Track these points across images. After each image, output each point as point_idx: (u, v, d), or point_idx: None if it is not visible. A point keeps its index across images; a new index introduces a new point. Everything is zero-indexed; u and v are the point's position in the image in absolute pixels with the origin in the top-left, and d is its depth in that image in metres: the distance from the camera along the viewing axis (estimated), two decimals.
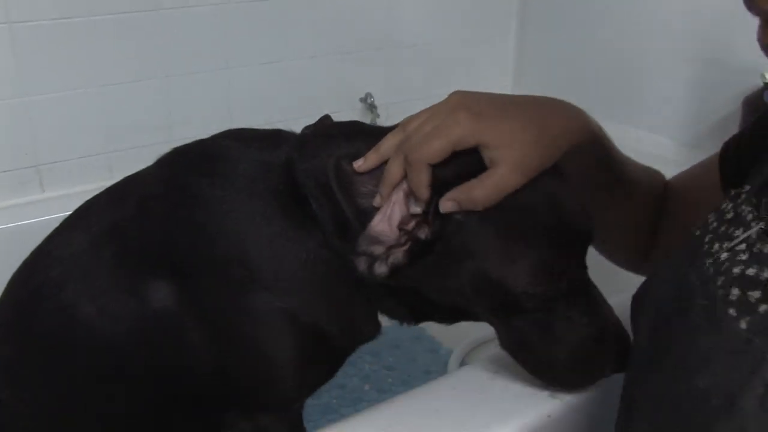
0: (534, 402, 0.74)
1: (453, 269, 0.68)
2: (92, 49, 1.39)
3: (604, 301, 0.72)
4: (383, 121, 1.66)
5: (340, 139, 0.76)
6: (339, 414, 1.47)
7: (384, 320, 0.84)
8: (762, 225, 0.49)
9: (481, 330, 0.75)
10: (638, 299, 0.62)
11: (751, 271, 0.47)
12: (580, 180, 0.78)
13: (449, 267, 0.68)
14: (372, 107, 1.72)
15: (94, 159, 1.46)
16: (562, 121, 0.71)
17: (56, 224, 0.86)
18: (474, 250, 0.67)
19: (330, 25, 1.66)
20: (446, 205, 0.65)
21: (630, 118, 1.63)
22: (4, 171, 1.39)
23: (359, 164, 0.70)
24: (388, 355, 1.70)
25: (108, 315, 0.78)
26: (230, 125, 0.86)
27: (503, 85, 1.95)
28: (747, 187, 0.55)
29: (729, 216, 0.54)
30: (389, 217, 0.66)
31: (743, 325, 0.46)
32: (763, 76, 1.27)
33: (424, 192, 0.65)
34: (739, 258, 0.49)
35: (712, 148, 0.79)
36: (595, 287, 0.72)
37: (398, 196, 0.66)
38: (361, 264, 0.68)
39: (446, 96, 0.72)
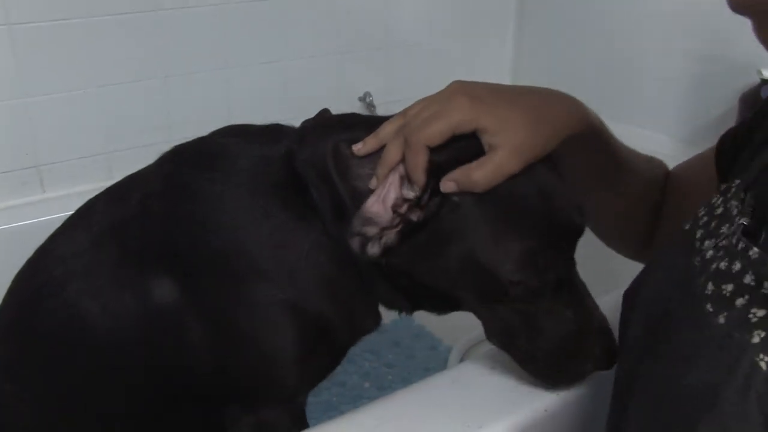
0: (531, 396, 0.74)
1: (443, 250, 0.68)
2: (92, 49, 1.39)
3: (591, 298, 0.72)
4: None
5: (340, 127, 0.77)
6: (339, 411, 1.48)
7: (384, 318, 0.85)
8: (744, 221, 0.50)
9: (480, 327, 0.75)
10: (629, 295, 0.63)
11: (723, 265, 0.48)
12: (579, 169, 0.79)
13: (440, 248, 0.68)
14: (371, 106, 1.72)
15: (95, 159, 1.47)
16: (559, 110, 0.72)
17: (57, 224, 0.87)
18: (465, 232, 0.67)
19: (329, 24, 1.66)
20: (447, 185, 0.66)
21: (627, 115, 1.63)
22: (5, 171, 1.39)
23: (358, 148, 0.71)
24: (387, 352, 1.70)
25: (110, 312, 0.79)
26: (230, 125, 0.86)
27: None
28: (737, 182, 0.56)
29: (718, 211, 0.55)
30: (384, 199, 0.67)
31: (721, 320, 0.46)
32: (759, 72, 1.27)
33: (421, 175, 0.66)
34: (719, 255, 0.50)
35: (709, 145, 0.80)
36: (582, 283, 0.72)
37: (394, 178, 0.67)
38: (355, 243, 0.68)
39: None
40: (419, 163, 0.66)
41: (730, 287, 0.47)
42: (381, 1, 1.72)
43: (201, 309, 0.77)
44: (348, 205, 0.70)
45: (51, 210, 1.29)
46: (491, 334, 0.74)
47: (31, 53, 1.34)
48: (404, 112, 0.72)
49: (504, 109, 0.68)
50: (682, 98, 1.57)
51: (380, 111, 1.71)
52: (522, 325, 0.70)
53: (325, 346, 0.82)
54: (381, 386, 1.59)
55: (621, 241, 0.92)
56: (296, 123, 0.84)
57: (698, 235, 0.55)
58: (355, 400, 1.54)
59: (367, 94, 1.73)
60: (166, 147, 0.86)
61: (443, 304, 0.77)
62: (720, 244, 0.50)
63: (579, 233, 0.72)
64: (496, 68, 1.96)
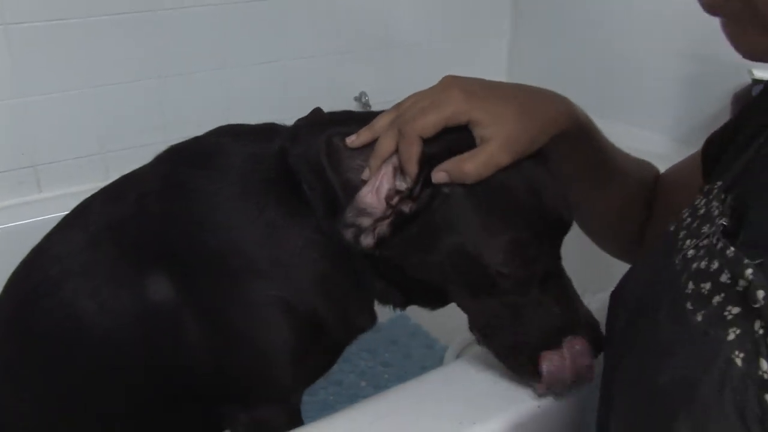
0: (525, 393, 0.75)
1: (434, 241, 0.69)
2: (89, 49, 1.40)
3: (576, 294, 0.72)
4: None
5: (333, 123, 0.77)
6: (335, 410, 1.47)
7: (380, 317, 0.85)
8: (724, 221, 0.50)
9: None
10: (615, 295, 0.63)
11: (702, 264, 0.49)
12: (569, 167, 0.80)
13: (430, 239, 0.69)
14: (366, 106, 1.73)
15: (91, 159, 1.47)
16: (549, 107, 0.73)
17: (54, 224, 0.87)
18: (455, 223, 0.68)
19: (325, 25, 1.67)
20: (438, 175, 0.67)
21: (622, 114, 1.63)
22: (2, 171, 1.40)
23: (351, 140, 0.71)
24: (384, 351, 1.71)
25: (107, 311, 0.79)
26: None
27: None
28: (719, 183, 0.56)
29: (701, 212, 0.56)
30: (377, 190, 0.67)
31: (699, 317, 0.47)
32: (750, 72, 1.28)
33: (414, 166, 0.67)
34: (699, 254, 0.50)
35: (702, 144, 0.80)
36: (568, 279, 0.73)
37: (387, 169, 0.68)
38: (348, 234, 0.69)
39: None
40: (413, 153, 0.67)
41: (708, 285, 0.47)
42: (377, 1, 1.72)
43: (197, 307, 0.77)
44: (341, 198, 0.70)
45: (48, 210, 1.29)
46: (475, 325, 0.74)
47: (27, 53, 1.34)
48: (398, 106, 0.73)
49: (496, 103, 0.68)
50: (675, 98, 1.58)
51: (375, 110, 1.71)
52: (508, 318, 0.70)
53: (320, 344, 0.82)
54: (377, 385, 1.60)
55: (610, 241, 0.93)
56: (292, 122, 0.84)
57: (681, 235, 0.56)
58: (351, 399, 1.54)
59: (362, 94, 1.74)
60: (163, 147, 0.86)
61: (434, 298, 0.77)
62: (701, 244, 0.51)
63: (566, 228, 0.72)
64: (492, 69, 1.96)
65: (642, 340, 0.53)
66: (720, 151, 0.66)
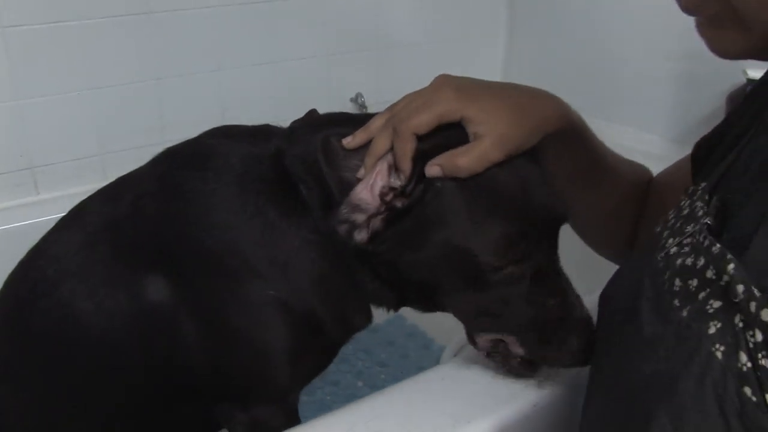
0: (520, 392, 0.75)
1: (426, 234, 0.69)
2: (85, 51, 1.40)
3: (574, 291, 0.72)
4: None
5: (329, 124, 0.78)
6: (332, 410, 1.48)
7: (378, 318, 0.86)
8: (708, 220, 0.51)
9: None
10: (603, 296, 0.64)
11: (689, 261, 0.49)
12: (561, 168, 0.80)
13: (422, 232, 0.69)
14: (362, 107, 1.73)
15: (88, 161, 1.47)
16: (542, 107, 0.73)
17: (51, 226, 0.88)
18: (447, 216, 0.68)
19: (320, 26, 1.67)
20: (432, 169, 0.68)
21: (617, 115, 1.64)
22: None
23: (348, 141, 0.72)
24: (381, 352, 1.71)
25: (104, 311, 0.79)
26: None
27: None
28: (703, 184, 0.57)
29: (685, 212, 0.56)
30: (372, 186, 0.68)
31: (684, 313, 0.47)
32: (745, 72, 1.29)
33: (407, 163, 0.68)
34: (683, 251, 0.51)
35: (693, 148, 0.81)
36: (565, 276, 0.73)
37: (382, 166, 0.69)
38: (342, 230, 0.69)
39: None
40: (407, 151, 0.68)
41: (695, 282, 0.48)
42: (373, 3, 1.73)
43: (194, 308, 0.78)
44: (336, 196, 0.71)
45: (45, 212, 1.30)
46: (469, 326, 0.75)
47: (24, 55, 1.34)
48: (392, 107, 0.73)
49: (489, 100, 0.69)
50: (671, 98, 1.58)
51: (371, 112, 1.71)
52: (501, 313, 0.71)
53: (317, 343, 0.82)
54: (374, 385, 1.60)
55: (604, 244, 0.93)
56: (288, 123, 0.84)
57: (665, 234, 0.57)
58: (348, 399, 1.53)
59: (358, 95, 1.74)
60: (160, 149, 0.86)
61: (427, 299, 0.77)
62: (684, 242, 0.52)
63: (560, 221, 0.73)
64: (488, 69, 1.97)
65: (624, 338, 0.54)
66: (708, 153, 0.66)
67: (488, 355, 0.77)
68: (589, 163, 0.82)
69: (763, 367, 0.41)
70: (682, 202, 0.59)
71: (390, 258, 0.73)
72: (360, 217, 0.69)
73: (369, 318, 0.83)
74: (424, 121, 0.68)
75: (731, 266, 0.44)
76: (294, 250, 0.76)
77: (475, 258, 0.68)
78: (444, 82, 0.72)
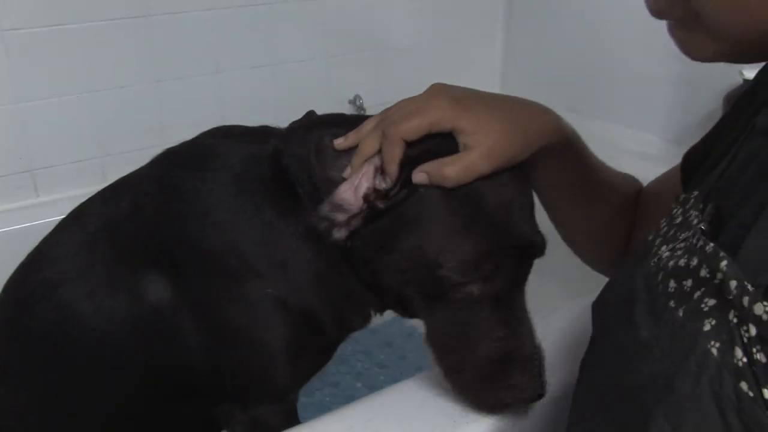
0: None
1: (399, 237, 0.69)
2: (85, 55, 1.40)
3: (529, 326, 0.71)
4: None
5: (326, 125, 0.78)
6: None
7: (376, 319, 0.86)
8: (702, 225, 0.51)
9: None
10: (597, 304, 0.63)
11: (682, 262, 0.49)
12: (554, 182, 0.80)
13: (397, 234, 0.69)
14: (360, 109, 1.73)
15: (88, 163, 1.48)
16: (536, 121, 0.73)
17: (51, 228, 0.88)
18: (422, 222, 0.68)
19: (319, 28, 1.68)
20: (419, 176, 0.68)
21: (614, 115, 1.64)
22: None
23: (339, 142, 0.72)
24: (379, 353, 1.71)
25: (104, 311, 0.80)
26: None
27: (491, 87, 1.96)
28: (695, 193, 0.57)
29: (678, 221, 0.56)
30: (356, 187, 0.68)
31: (680, 313, 0.47)
32: (741, 73, 1.29)
33: (394, 167, 0.68)
34: (676, 254, 0.51)
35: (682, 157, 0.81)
36: (525, 308, 0.71)
37: (369, 168, 0.69)
38: (321, 226, 0.70)
39: None
40: (395, 155, 0.68)
41: (689, 282, 0.48)
42: (371, 5, 1.73)
43: (194, 307, 0.78)
44: (323, 195, 0.71)
45: (45, 214, 1.30)
46: (428, 338, 0.73)
47: (24, 59, 1.35)
48: (385, 111, 0.74)
49: (482, 112, 0.69)
50: (669, 99, 1.59)
51: (370, 113, 1.71)
52: (456, 334, 0.70)
53: (315, 342, 0.83)
54: (373, 386, 1.60)
55: (597, 257, 0.92)
56: (287, 125, 0.85)
57: (657, 242, 0.56)
58: (347, 400, 1.52)
59: (357, 97, 1.74)
60: (160, 151, 0.87)
61: (402, 305, 0.76)
62: (677, 246, 0.52)
63: (535, 252, 0.71)
64: (486, 71, 1.97)
65: (619, 343, 0.54)
66: (698, 162, 0.66)
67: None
68: (582, 178, 0.82)
69: (758, 361, 0.41)
70: (674, 210, 0.58)
71: (366, 258, 0.72)
72: (341, 217, 0.69)
73: (367, 317, 0.84)
74: (414, 126, 0.68)
75: (724, 263, 0.44)
76: (292, 250, 0.77)
77: (439, 269, 0.67)
78: (439, 90, 0.72)
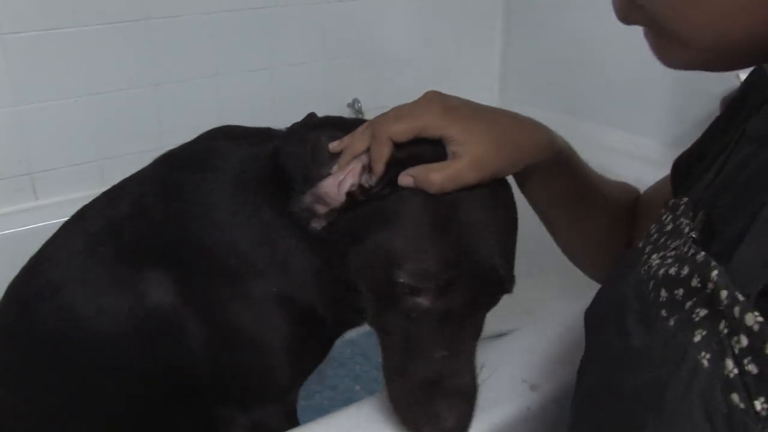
0: (513, 395, 0.76)
1: (370, 228, 0.68)
2: (83, 58, 1.40)
3: (470, 361, 0.69)
4: None
5: (324, 126, 0.79)
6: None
7: None
8: (693, 234, 0.50)
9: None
10: (588, 314, 0.62)
11: (673, 271, 0.49)
12: (550, 195, 0.80)
13: (369, 226, 0.68)
14: (359, 113, 1.73)
15: (87, 166, 1.48)
16: (527, 137, 0.73)
17: (50, 231, 0.88)
18: (395, 219, 0.68)
19: (317, 32, 1.68)
20: (405, 179, 0.68)
21: (611, 118, 1.64)
22: None
23: (334, 145, 0.73)
24: (378, 356, 1.70)
25: (106, 312, 0.80)
26: None
27: (489, 92, 1.97)
28: (685, 200, 0.57)
29: (668, 228, 0.56)
30: (341, 183, 0.69)
31: (672, 322, 0.47)
32: (738, 76, 1.29)
33: (380, 166, 0.68)
34: (666, 262, 0.51)
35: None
36: (473, 343, 0.70)
37: (356, 165, 0.69)
38: (300, 214, 0.70)
39: None
40: (382, 154, 0.68)
41: (681, 292, 0.47)
42: (370, 10, 1.74)
43: (195, 307, 0.78)
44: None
45: (44, 217, 1.31)
46: (379, 345, 0.72)
47: (23, 62, 1.35)
48: (381, 114, 0.74)
49: (472, 123, 0.70)
50: (666, 101, 1.59)
51: (368, 117, 1.71)
52: (400, 343, 0.69)
53: (315, 337, 0.83)
54: (372, 389, 1.60)
55: (595, 267, 0.91)
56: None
57: (647, 249, 0.56)
58: (346, 402, 1.52)
59: (355, 101, 1.74)
60: (158, 154, 0.87)
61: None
62: (668, 254, 0.51)
63: (500, 285, 0.70)
64: (484, 75, 1.97)
65: (611, 353, 0.53)
66: (688, 169, 0.66)
67: None
68: (577, 191, 0.82)
69: (749, 372, 0.40)
70: (664, 217, 0.58)
71: (341, 249, 0.72)
72: (321, 209, 0.70)
73: (364, 315, 0.84)
74: (403, 128, 0.69)
75: (715, 273, 0.44)
76: (291, 248, 0.77)
77: (397, 269, 0.66)
78: (433, 97, 0.72)
